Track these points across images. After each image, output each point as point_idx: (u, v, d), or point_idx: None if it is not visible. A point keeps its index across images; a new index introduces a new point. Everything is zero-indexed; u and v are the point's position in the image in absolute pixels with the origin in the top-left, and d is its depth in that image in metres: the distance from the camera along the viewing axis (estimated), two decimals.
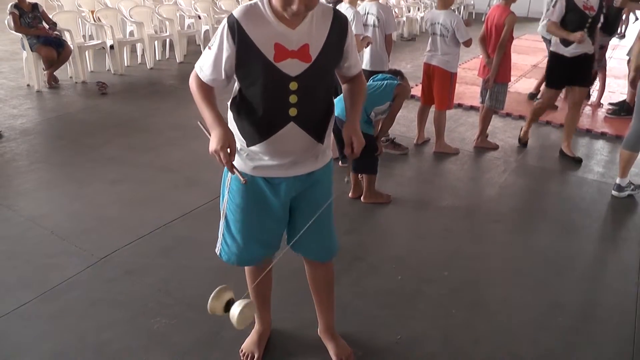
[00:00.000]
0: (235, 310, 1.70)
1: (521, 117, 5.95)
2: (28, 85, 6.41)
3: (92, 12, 7.98)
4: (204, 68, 1.78)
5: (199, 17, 8.91)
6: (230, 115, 1.87)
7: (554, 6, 4.56)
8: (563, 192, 4.30)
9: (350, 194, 3.79)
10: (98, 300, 2.66)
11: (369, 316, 2.63)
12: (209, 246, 3.09)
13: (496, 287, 2.96)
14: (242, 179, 1.69)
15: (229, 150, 1.66)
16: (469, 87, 7.04)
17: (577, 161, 4.75)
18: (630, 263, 3.23)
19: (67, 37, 6.66)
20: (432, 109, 4.84)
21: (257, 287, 2.24)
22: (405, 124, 5.50)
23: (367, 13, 4.53)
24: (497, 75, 4.66)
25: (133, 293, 2.72)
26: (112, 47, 7.21)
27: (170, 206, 3.60)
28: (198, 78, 1.81)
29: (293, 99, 1.75)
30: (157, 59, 8.03)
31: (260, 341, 2.33)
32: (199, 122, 1.85)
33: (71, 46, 6.55)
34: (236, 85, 1.83)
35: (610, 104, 6.27)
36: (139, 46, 7.96)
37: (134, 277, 2.85)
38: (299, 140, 1.84)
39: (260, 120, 1.78)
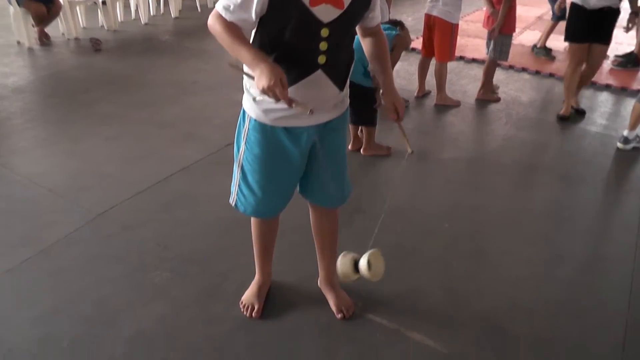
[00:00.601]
0: (364, 266, 1.77)
1: (524, 70, 5.86)
2: (18, 42, 6.23)
3: None
4: (231, 9, 1.66)
5: None
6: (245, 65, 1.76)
7: None
8: (565, 144, 4.26)
9: (349, 147, 3.74)
10: (97, 255, 2.65)
11: None
12: (208, 200, 3.11)
13: (497, 238, 2.94)
14: (307, 109, 1.61)
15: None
16: (471, 39, 6.91)
17: (581, 113, 4.67)
18: (632, 215, 3.21)
19: None
20: (434, 61, 4.75)
21: (263, 239, 2.24)
22: (405, 76, 5.41)
23: None
24: (502, 26, 4.56)
25: (132, 248, 2.70)
26: (104, 2, 7.02)
27: (167, 161, 3.56)
28: (223, 18, 1.69)
29: (323, 46, 1.69)
30: (151, 14, 7.81)
31: (260, 293, 2.32)
32: (228, 63, 1.77)
33: (61, 1, 6.36)
34: (254, 31, 1.75)
35: (617, 55, 6.14)
36: (132, 1, 7.73)
37: (132, 232, 2.83)
38: (324, 88, 1.80)
39: (286, 68, 1.69)
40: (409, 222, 3.03)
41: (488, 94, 4.97)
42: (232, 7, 1.65)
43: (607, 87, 5.44)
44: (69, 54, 6.09)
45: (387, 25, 3.74)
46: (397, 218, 3.06)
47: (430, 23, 4.60)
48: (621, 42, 6.59)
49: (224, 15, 1.68)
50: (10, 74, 5.20)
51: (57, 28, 6.57)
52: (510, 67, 5.84)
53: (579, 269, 2.74)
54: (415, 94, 4.93)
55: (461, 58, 6.13)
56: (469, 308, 2.41)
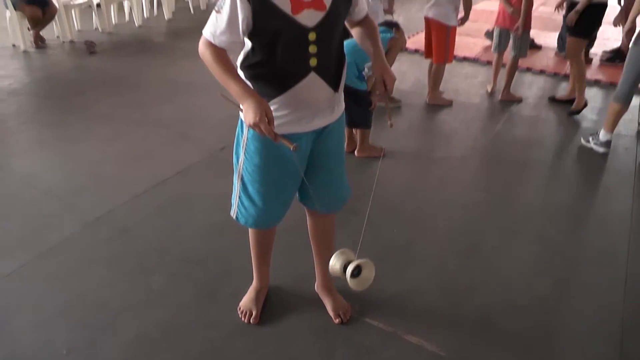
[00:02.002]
0: (348, 274, 1.75)
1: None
2: (13, 45, 6.26)
3: None
4: (217, 34, 1.68)
5: None
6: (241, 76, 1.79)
7: None
8: (557, 140, 4.31)
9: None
10: (96, 259, 2.67)
11: None
12: (204, 203, 3.13)
13: (490, 235, 2.98)
14: (291, 145, 1.62)
15: (267, 119, 1.60)
16: (462, 38, 6.87)
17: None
18: (623, 209, 3.24)
19: None
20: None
21: (260, 245, 2.26)
22: (397, 76, 5.32)
23: None
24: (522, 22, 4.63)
25: (130, 251, 2.72)
26: (99, 5, 7.04)
27: (164, 163, 3.59)
28: (212, 46, 1.71)
29: (313, 49, 1.72)
30: (145, 16, 7.84)
31: (258, 298, 2.34)
32: (221, 94, 1.79)
33: (56, 5, 6.38)
34: (247, 43, 1.76)
35: (605, 51, 6.21)
36: (126, 3, 7.75)
37: (130, 235, 2.85)
38: (319, 90, 1.81)
39: (280, 74, 1.74)
40: (404, 221, 3.07)
41: (511, 95, 5.00)
42: (218, 31, 1.68)
43: (596, 83, 5.49)
44: (64, 56, 6.10)
45: (382, 28, 3.76)
46: (392, 217, 3.09)
47: (429, 25, 4.63)
48: (608, 37, 6.66)
49: (212, 40, 1.71)
50: (5, 77, 5.22)
51: (52, 31, 6.59)
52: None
53: (572, 264, 2.78)
54: (427, 99, 4.91)
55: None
56: (464, 306, 2.44)
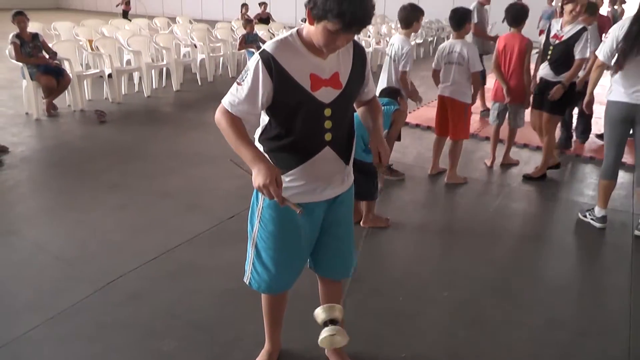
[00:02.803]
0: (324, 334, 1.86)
1: (515, 143, 6.07)
2: (27, 113, 6.48)
3: (90, 41, 8.10)
4: (236, 104, 1.82)
5: (195, 46, 9.04)
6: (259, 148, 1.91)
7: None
8: (555, 214, 4.40)
9: None
10: (105, 324, 2.70)
11: (374, 336, 2.68)
12: (213, 271, 3.19)
13: (495, 305, 3.02)
14: (297, 209, 1.73)
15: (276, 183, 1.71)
16: None
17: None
18: (621, 283, 3.30)
19: (66, 66, 6.76)
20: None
21: (273, 310, 2.31)
22: (400, 150, 5.59)
23: (392, 44, 4.69)
24: (517, 97, 4.89)
25: (140, 316, 2.76)
26: (110, 75, 7.32)
27: (173, 232, 3.66)
28: (229, 114, 1.84)
29: (328, 124, 1.86)
30: (154, 87, 8.13)
31: None
32: (231, 160, 1.91)
33: (70, 75, 6.64)
34: (264, 117, 1.90)
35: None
36: (136, 75, 8.06)
37: (140, 300, 2.89)
38: (333, 164, 1.94)
39: (296, 148, 1.87)
40: (409, 290, 3.11)
41: (510, 158, 5.35)
42: (237, 102, 1.83)
43: (591, 160, 5.65)
44: (75, 124, 6.29)
45: (387, 100, 3.92)
46: (397, 286, 3.14)
47: (444, 103, 4.79)
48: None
49: (230, 109, 1.84)
50: (18, 144, 5.37)
51: (63, 100, 6.82)
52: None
53: (574, 332, 2.81)
54: (429, 171, 5.04)
55: None
56: None
